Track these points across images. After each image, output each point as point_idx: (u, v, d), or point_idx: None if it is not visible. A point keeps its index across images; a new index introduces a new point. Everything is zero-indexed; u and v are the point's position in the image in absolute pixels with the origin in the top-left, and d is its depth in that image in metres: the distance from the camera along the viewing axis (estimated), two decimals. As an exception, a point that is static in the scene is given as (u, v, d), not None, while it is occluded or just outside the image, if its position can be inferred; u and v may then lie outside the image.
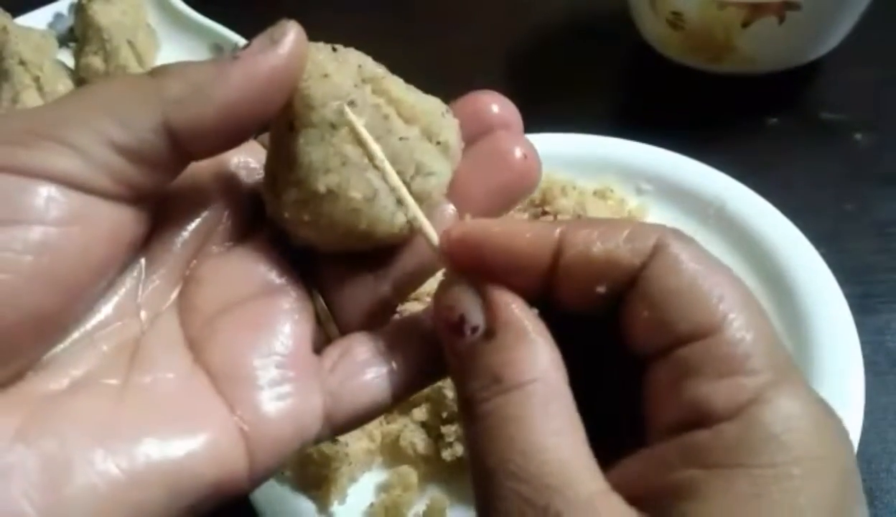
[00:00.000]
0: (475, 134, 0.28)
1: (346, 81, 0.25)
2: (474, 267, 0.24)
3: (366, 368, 0.26)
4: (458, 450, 0.45)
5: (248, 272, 0.27)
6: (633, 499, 0.21)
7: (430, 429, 0.47)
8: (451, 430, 0.46)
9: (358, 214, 0.26)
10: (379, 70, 0.26)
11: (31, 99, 0.77)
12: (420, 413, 0.48)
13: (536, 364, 0.22)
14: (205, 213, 0.27)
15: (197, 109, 0.23)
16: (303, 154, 0.25)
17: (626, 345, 0.24)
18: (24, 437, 0.21)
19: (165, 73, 0.24)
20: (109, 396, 0.23)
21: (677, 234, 0.23)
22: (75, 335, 0.24)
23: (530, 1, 0.87)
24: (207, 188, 0.28)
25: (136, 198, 0.24)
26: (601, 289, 0.23)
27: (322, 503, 0.45)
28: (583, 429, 0.22)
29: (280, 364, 0.25)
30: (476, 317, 0.24)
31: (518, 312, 0.23)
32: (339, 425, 0.26)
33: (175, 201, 0.27)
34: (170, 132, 0.23)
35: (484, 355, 0.23)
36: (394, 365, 0.27)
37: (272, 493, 0.44)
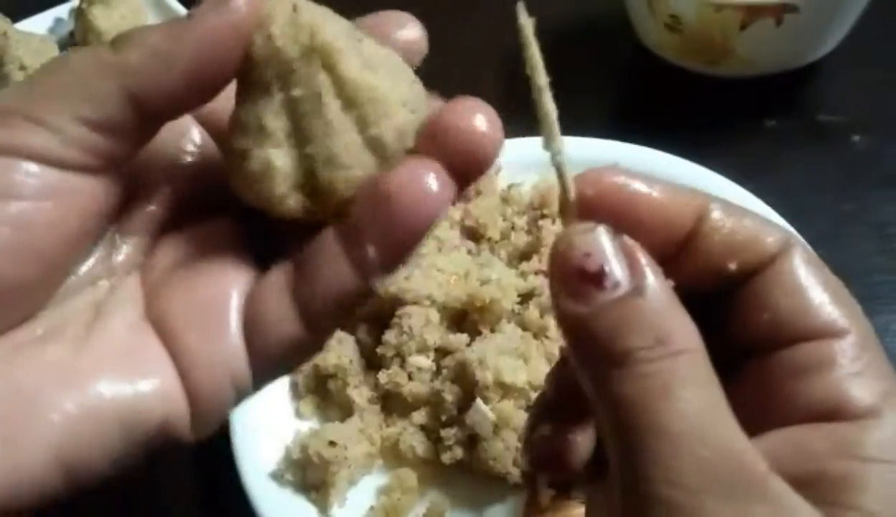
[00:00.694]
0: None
1: (291, 48, 0.25)
2: (608, 216, 0.23)
3: (274, 303, 0.26)
4: (458, 453, 0.46)
5: (208, 237, 0.28)
6: None
7: (430, 432, 0.47)
8: (450, 433, 0.46)
9: (253, 184, 0.26)
10: (338, 40, 0.25)
11: (30, 103, 0.77)
12: (419, 416, 0.48)
13: (694, 332, 0.22)
14: (175, 183, 0.28)
15: (158, 76, 0.24)
16: (238, 113, 0.26)
17: (730, 331, 0.24)
18: None
19: (124, 42, 0.25)
20: (72, 344, 0.25)
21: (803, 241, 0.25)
22: (53, 298, 0.26)
23: (528, 3, 0.87)
24: (179, 158, 0.29)
25: (107, 168, 0.26)
26: (732, 266, 0.24)
27: (322, 506, 0.45)
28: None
29: (208, 312, 0.26)
30: (619, 270, 0.22)
31: (664, 277, 0.23)
32: (268, 368, 0.26)
33: (146, 170, 0.28)
34: (135, 102, 0.24)
35: (640, 313, 0.22)
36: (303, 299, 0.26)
37: (272, 496, 0.45)
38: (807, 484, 0.21)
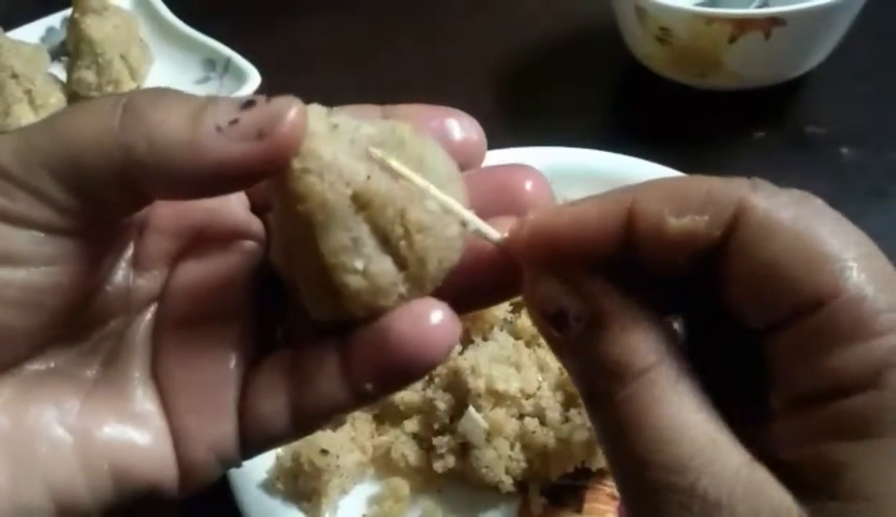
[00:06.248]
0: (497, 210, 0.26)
1: (292, 183, 0.23)
2: (545, 259, 0.24)
3: (271, 400, 0.26)
4: (450, 461, 0.46)
5: (218, 291, 0.27)
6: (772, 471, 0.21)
7: (422, 440, 0.47)
8: (442, 442, 0.46)
9: None
10: (326, 211, 0.23)
11: (22, 112, 0.77)
12: (411, 424, 0.48)
13: (656, 344, 0.22)
14: (190, 228, 0.28)
15: (159, 177, 0.23)
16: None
17: (729, 314, 0.23)
18: (5, 411, 0.24)
19: (138, 120, 0.23)
20: (83, 386, 0.26)
21: (761, 188, 0.22)
22: (66, 333, 0.26)
23: (519, 16, 0.88)
24: (195, 206, 0.28)
25: (89, 229, 0.24)
26: (681, 261, 0.22)
27: (313, 515, 0.45)
28: (710, 401, 0.22)
29: (208, 390, 0.26)
30: (576, 306, 0.23)
31: (620, 297, 0.23)
32: (252, 449, 0.27)
33: (161, 215, 0.28)
34: (126, 185, 0.23)
35: (599, 345, 0.22)
36: (295, 395, 0.26)
37: (263, 505, 0.44)
38: (797, 471, 0.20)
